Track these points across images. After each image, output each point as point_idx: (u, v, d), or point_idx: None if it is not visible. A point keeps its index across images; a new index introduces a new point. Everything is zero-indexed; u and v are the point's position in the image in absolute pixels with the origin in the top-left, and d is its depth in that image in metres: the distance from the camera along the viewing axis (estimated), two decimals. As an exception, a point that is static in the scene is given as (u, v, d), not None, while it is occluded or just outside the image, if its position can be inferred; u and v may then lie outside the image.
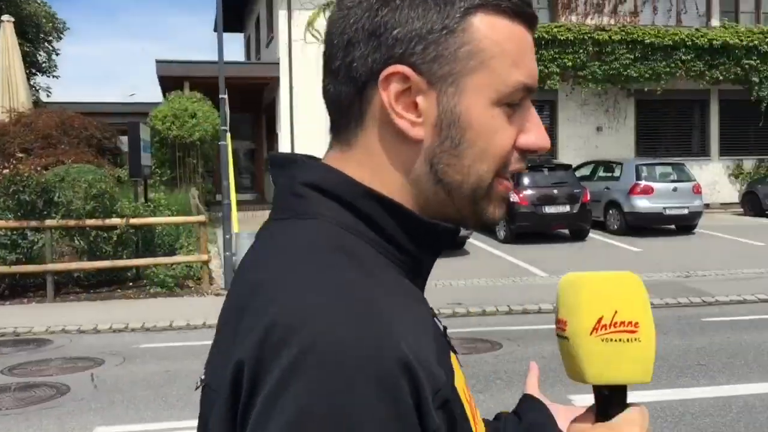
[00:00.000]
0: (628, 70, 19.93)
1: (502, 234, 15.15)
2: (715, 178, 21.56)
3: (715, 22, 21.49)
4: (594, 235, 15.53)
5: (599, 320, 0.80)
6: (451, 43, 0.74)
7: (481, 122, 0.76)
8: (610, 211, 16.31)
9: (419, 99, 0.75)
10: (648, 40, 20.02)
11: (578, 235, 15.36)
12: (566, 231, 15.55)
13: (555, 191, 14.89)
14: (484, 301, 9.61)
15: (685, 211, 15.68)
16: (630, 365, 0.81)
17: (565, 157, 19.80)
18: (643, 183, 15.69)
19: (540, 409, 1.04)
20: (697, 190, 15.92)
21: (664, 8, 21.38)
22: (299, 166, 0.80)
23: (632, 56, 19.96)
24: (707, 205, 19.72)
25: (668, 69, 20.14)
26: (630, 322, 0.80)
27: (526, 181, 14.85)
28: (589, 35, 19.84)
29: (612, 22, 20.67)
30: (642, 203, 15.58)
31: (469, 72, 0.75)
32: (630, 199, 15.67)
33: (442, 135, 0.76)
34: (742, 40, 20.40)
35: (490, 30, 0.75)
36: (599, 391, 0.84)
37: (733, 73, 20.48)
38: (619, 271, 0.85)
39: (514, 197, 14.61)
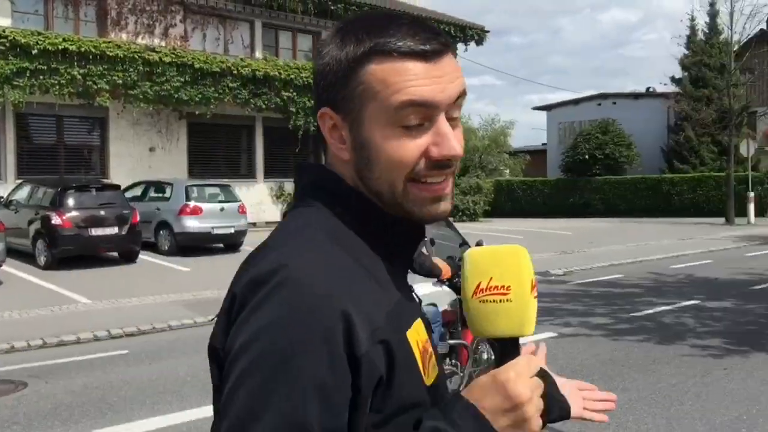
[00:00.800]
0: (179, 93, 20.26)
1: (42, 260, 13.98)
2: (261, 198, 23.28)
3: (258, 54, 23.31)
4: (145, 257, 15.37)
5: (478, 285, 1.00)
6: (352, 86, 1.00)
7: (380, 142, 1.00)
8: (161, 232, 16.36)
9: (342, 130, 1.03)
10: (197, 65, 20.65)
11: (128, 258, 15.04)
12: (115, 254, 15.10)
13: (102, 212, 14.35)
14: (14, 336, 8.72)
15: (232, 230, 16.58)
16: (504, 321, 0.99)
17: (116, 177, 19.25)
18: (192, 204, 16.12)
19: (545, 377, 1.17)
20: (242, 210, 16.97)
21: (212, 36, 22.41)
22: (307, 170, 1.10)
23: (183, 79, 20.35)
24: (253, 224, 21.16)
25: (217, 94, 21.06)
26: (502, 287, 0.99)
27: (70, 202, 14.00)
28: (139, 54, 19.64)
29: (163, 44, 20.86)
30: (191, 223, 15.99)
31: (364, 105, 1.00)
32: (180, 219, 15.95)
33: (358, 155, 1.02)
34: (281, 73, 22.44)
35: (377, 71, 0.99)
36: (492, 344, 1.03)
37: (274, 102, 22.39)
38: (507, 245, 1.03)
39: (56, 219, 13.63)
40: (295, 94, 22.73)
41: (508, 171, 40.13)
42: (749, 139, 29.25)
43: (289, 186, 24.03)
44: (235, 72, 21.42)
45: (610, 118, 35.07)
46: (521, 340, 1.05)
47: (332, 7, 24.45)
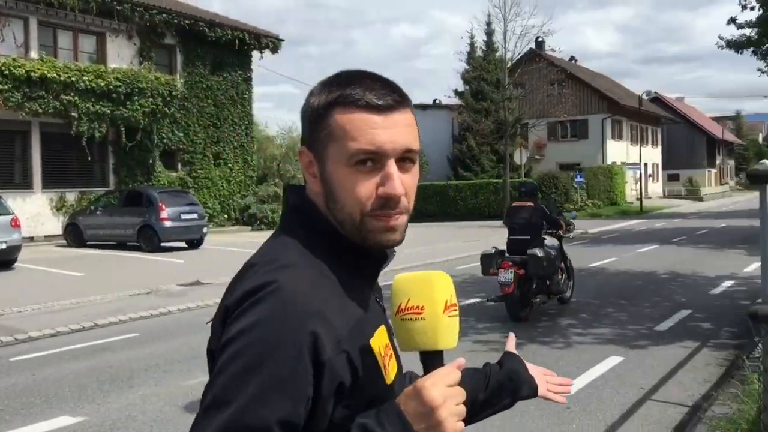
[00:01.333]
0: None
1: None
2: (39, 210, 21.46)
3: (33, 54, 21.48)
4: None
5: (399, 306, 1.14)
6: (320, 129, 1.19)
7: (339, 179, 1.18)
8: None
9: (315, 166, 1.22)
10: (-40, 64, 18.63)
11: None
12: None
13: None
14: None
15: (4, 246, 15.09)
16: (420, 336, 1.13)
17: None
18: (-47, 217, 14.45)
19: (518, 361, 1.55)
20: (15, 224, 15.50)
21: (-22, 32, 20.29)
22: (293, 193, 1.30)
23: (-58, 79, 18.23)
24: (31, 238, 19.41)
25: (-16, 97, 19.12)
26: (417, 306, 1.13)
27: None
28: None
29: None
30: (-47, 239, 14.32)
31: (329, 147, 1.18)
32: (-61, 235, 14.22)
33: (325, 188, 1.20)
34: (60, 75, 20.86)
35: (339, 118, 1.17)
36: (420, 357, 1.15)
37: (53, 107, 20.76)
38: (426, 272, 1.16)
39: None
40: (77, 98, 21.25)
41: (306, 179, 40.42)
42: (522, 148, 32.11)
43: (71, 196, 22.39)
44: (6, 72, 19.59)
45: (403, 128, 36.69)
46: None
47: (118, 7, 23.22)
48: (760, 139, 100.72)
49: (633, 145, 49.23)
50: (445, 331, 1.13)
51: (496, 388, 1.53)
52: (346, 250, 1.23)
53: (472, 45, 38.99)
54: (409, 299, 1.14)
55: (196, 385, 6.69)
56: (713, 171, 74.17)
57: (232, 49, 27.73)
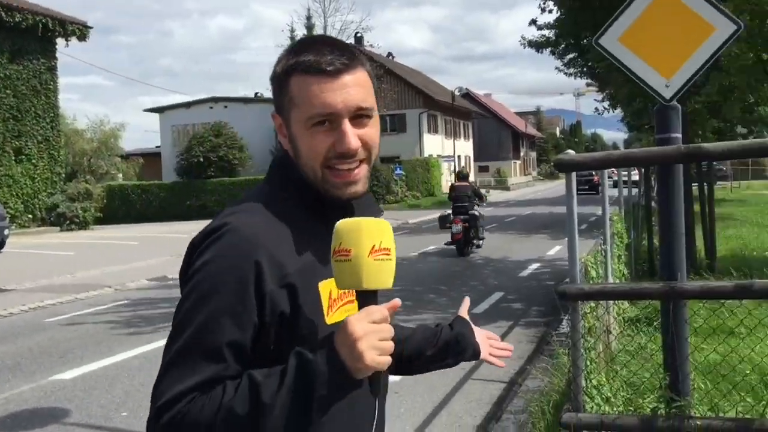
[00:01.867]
0: None
1: None
2: None
3: None
4: None
5: (334, 248, 1.22)
6: (282, 96, 1.37)
7: (301, 139, 1.35)
8: None
9: (284, 128, 1.40)
10: None
11: None
12: None
13: None
14: None
15: None
16: (347, 276, 1.22)
17: None
18: None
19: (466, 325, 1.69)
20: None
21: None
22: (278, 152, 1.52)
23: None
24: None
25: None
26: (345, 249, 1.21)
27: None
28: None
29: None
30: None
31: (291, 110, 1.36)
32: None
33: (293, 147, 1.38)
34: None
35: (295, 85, 1.34)
36: (356, 296, 1.26)
37: None
38: (362, 218, 1.25)
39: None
40: None
41: (121, 175, 38.39)
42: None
43: None
44: None
45: (223, 121, 35.90)
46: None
47: None
48: (558, 133, 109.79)
49: (447, 139, 51.70)
50: (371, 273, 1.21)
51: (443, 347, 1.66)
52: (315, 200, 1.37)
53: (292, 39, 38.89)
54: (340, 242, 1.22)
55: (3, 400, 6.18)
56: (518, 162, 79.77)
57: (33, 35, 25.64)
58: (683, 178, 3.97)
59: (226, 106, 39.55)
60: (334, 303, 1.34)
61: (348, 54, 1.34)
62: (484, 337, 1.74)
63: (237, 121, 36.09)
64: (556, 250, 16.21)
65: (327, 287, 1.32)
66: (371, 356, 1.18)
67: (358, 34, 37.45)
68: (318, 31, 37.13)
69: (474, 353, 1.69)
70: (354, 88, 1.32)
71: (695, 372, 4.46)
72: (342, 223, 1.24)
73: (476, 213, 15.61)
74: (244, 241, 1.27)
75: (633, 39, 3.68)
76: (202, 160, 34.11)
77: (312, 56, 1.32)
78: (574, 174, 3.59)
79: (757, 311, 5.26)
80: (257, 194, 1.40)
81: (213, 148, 34.33)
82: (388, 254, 1.23)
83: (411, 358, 1.65)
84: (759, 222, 18.70)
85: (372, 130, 1.37)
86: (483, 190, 18.87)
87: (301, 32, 39.58)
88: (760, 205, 26.01)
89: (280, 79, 1.36)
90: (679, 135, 3.67)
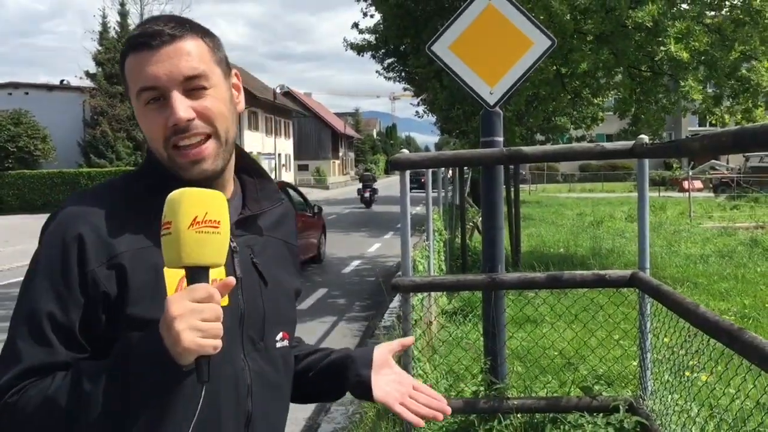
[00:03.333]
0: None
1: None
2: None
3: None
4: None
5: (161, 222, 1.13)
6: (123, 78, 1.31)
7: (141, 120, 1.29)
8: None
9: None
10: None
11: None
12: None
13: None
14: None
15: None
16: (168, 251, 1.12)
17: None
18: None
19: (365, 352, 1.49)
20: None
21: None
22: None
23: None
24: None
25: None
26: (167, 222, 1.12)
27: None
28: None
29: None
30: None
31: (129, 92, 1.29)
32: None
33: (141, 130, 1.31)
34: None
35: (126, 66, 1.28)
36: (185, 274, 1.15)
37: None
38: (188, 188, 1.14)
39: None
40: None
41: None
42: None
43: None
44: None
45: (23, 109, 33.05)
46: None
47: None
48: (375, 134, 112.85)
49: (268, 136, 51.30)
50: (191, 247, 1.10)
51: (322, 370, 1.49)
52: (161, 181, 1.27)
53: (104, 25, 36.66)
54: (165, 216, 1.13)
55: None
56: (337, 162, 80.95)
57: None
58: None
59: (27, 93, 36.37)
60: (181, 287, 1.22)
61: (175, 25, 1.26)
62: (404, 382, 1.46)
63: (40, 110, 33.33)
64: (375, 247, 16.73)
65: (172, 275, 1.22)
66: (190, 338, 1.06)
67: (176, 25, 36.04)
68: (134, 19, 35.34)
69: (361, 386, 1.44)
70: (180, 57, 1.24)
71: (510, 357, 4.86)
72: (169, 195, 1.14)
73: (376, 186, 32.21)
74: (70, 219, 1.23)
75: (462, 48, 3.95)
76: (-2, 150, 31.16)
77: (138, 32, 1.27)
78: (408, 173, 3.78)
79: (558, 305, 5.83)
80: (117, 178, 1.36)
81: (11, 138, 31.47)
82: (215, 227, 1.11)
83: (299, 379, 1.48)
84: (554, 222, 20.51)
85: (212, 101, 1.26)
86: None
87: (114, 18, 37.44)
88: (554, 206, 28.50)
89: (120, 63, 1.30)
90: (501, 138, 4.00)
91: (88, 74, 35.70)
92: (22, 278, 1.26)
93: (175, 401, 1.19)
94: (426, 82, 14.01)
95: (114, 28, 36.99)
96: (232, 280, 1.13)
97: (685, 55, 8.72)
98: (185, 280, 1.16)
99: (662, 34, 8.88)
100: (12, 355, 1.17)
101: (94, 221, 1.22)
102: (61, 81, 38.78)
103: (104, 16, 36.79)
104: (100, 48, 36.08)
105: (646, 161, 3.67)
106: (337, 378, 1.47)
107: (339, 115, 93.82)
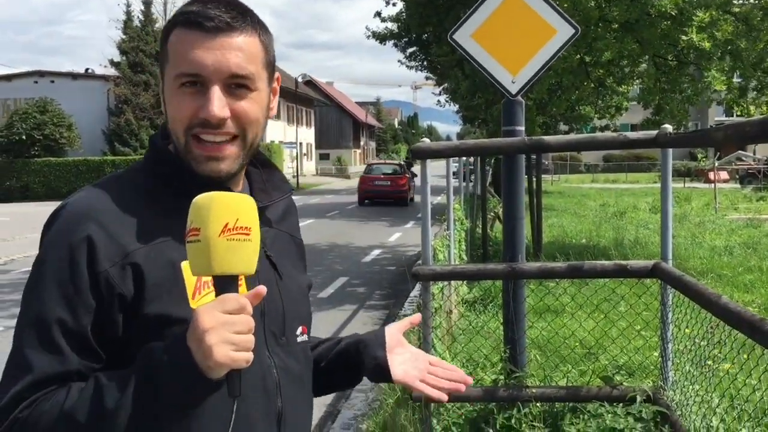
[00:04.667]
0: None
1: None
2: None
3: None
4: None
5: (186, 230, 1.07)
6: (163, 51, 1.22)
7: (169, 98, 1.21)
8: None
9: (161, 87, 1.25)
10: None
11: None
12: None
13: None
14: None
15: None
16: (197, 259, 1.06)
17: None
18: None
19: (377, 334, 1.45)
20: None
21: None
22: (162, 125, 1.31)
23: None
24: None
25: None
26: (195, 229, 1.05)
27: None
28: None
29: None
30: None
31: (165, 66, 1.21)
32: None
33: (163, 106, 1.25)
34: None
35: (172, 39, 1.19)
36: (213, 282, 1.08)
37: None
38: (216, 192, 1.07)
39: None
40: None
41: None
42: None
43: None
44: None
45: (49, 97, 33.44)
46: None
47: None
48: (396, 124, 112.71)
49: (290, 125, 51.45)
50: (222, 256, 1.05)
51: (334, 358, 1.44)
52: (180, 176, 1.21)
53: (128, 14, 36.91)
54: (192, 221, 1.07)
55: None
56: (358, 151, 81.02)
57: None
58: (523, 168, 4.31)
59: (53, 81, 36.80)
60: (204, 285, 1.18)
61: (236, 14, 1.18)
62: (420, 359, 1.44)
63: (65, 98, 33.70)
64: (396, 236, 16.75)
65: (190, 274, 1.15)
66: (223, 352, 1.01)
67: (199, 14, 36.20)
68: (157, 8, 35.54)
69: (378, 369, 1.40)
70: (232, 51, 1.16)
71: (530, 346, 4.86)
72: (196, 199, 1.07)
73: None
74: (75, 218, 1.15)
75: (484, 36, 3.94)
76: (24, 137, 31.56)
77: (195, 9, 1.17)
78: (428, 162, 3.79)
79: (579, 295, 5.81)
80: (122, 171, 1.28)
81: (38, 126, 31.86)
82: (247, 234, 1.06)
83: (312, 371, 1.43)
84: (576, 212, 20.39)
85: (250, 105, 1.20)
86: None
87: (138, 7, 37.68)
88: (576, 197, 28.32)
89: (164, 33, 1.22)
90: (522, 128, 3.99)
91: (112, 63, 36.02)
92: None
93: (206, 415, 1.13)
94: (448, 71, 13.97)
95: (138, 17, 37.24)
96: (263, 289, 1.07)
97: (707, 45, 8.61)
98: (206, 278, 1.14)
99: (687, 23, 8.77)
100: (21, 365, 1.10)
101: (102, 219, 1.15)
102: (86, 70, 39.19)
103: (128, 5, 37.02)
104: (124, 37, 36.36)
105: (670, 151, 3.64)
106: (352, 364, 1.43)
107: (360, 104, 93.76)
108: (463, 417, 4.03)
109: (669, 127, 3.52)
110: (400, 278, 10.92)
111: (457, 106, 20.32)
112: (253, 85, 1.20)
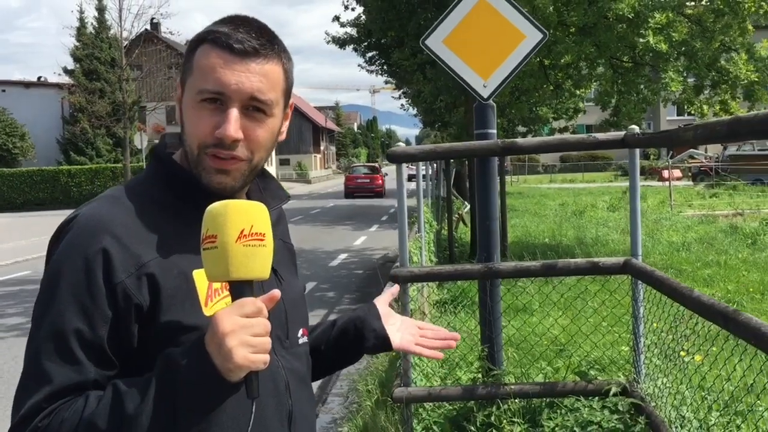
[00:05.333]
0: None
1: None
2: None
3: None
4: None
5: (201, 237, 1.11)
6: (186, 62, 1.26)
7: (188, 111, 1.25)
8: None
9: (180, 97, 1.29)
10: None
11: None
12: None
13: None
14: None
15: None
16: (213, 265, 1.10)
17: None
18: None
19: (371, 308, 1.54)
20: None
21: None
22: (167, 134, 1.37)
23: None
24: None
25: None
26: (212, 236, 1.09)
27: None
28: None
29: None
30: None
31: (188, 79, 1.25)
32: None
33: (180, 117, 1.28)
34: None
35: (199, 54, 1.23)
36: (229, 288, 1.12)
37: None
38: (232, 200, 1.12)
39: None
40: None
41: None
42: (142, 132, 31.06)
43: None
44: None
45: (0, 106, 32.66)
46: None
47: None
48: (356, 128, 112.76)
49: (249, 131, 51.12)
50: (240, 261, 1.09)
51: (337, 337, 1.51)
52: (188, 186, 1.26)
53: (82, 21, 36.24)
54: (207, 228, 1.10)
55: None
56: (318, 156, 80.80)
57: None
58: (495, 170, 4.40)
59: (3, 90, 35.94)
60: (215, 293, 1.22)
61: (264, 41, 1.23)
62: (409, 325, 1.55)
63: (17, 107, 32.99)
64: (361, 240, 16.78)
65: (202, 277, 1.19)
66: (242, 354, 1.05)
67: (155, 20, 35.71)
68: (112, 14, 34.93)
69: (379, 340, 1.49)
70: (256, 76, 1.21)
71: (506, 344, 4.96)
72: (210, 207, 1.11)
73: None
74: (90, 230, 1.17)
75: (455, 42, 4.02)
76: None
77: (226, 29, 1.22)
78: (404, 165, 3.84)
79: (543, 293, 5.93)
80: (129, 181, 1.33)
81: (-12, 136, 31.11)
82: (261, 240, 1.11)
83: (312, 358, 1.48)
84: (537, 212, 20.68)
85: (263, 131, 1.24)
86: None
87: (91, 14, 37.05)
88: (536, 197, 28.71)
89: (191, 46, 1.27)
90: (495, 130, 4.08)
91: (66, 70, 35.33)
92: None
93: (225, 417, 1.16)
94: (409, 75, 14.07)
95: (92, 24, 36.60)
96: (277, 293, 1.12)
97: (664, 47, 8.86)
98: (215, 282, 1.18)
99: (643, 26, 9.01)
100: (40, 376, 1.12)
101: (115, 230, 1.17)
102: (39, 78, 38.36)
103: (81, 12, 36.39)
104: (77, 44, 35.69)
105: (637, 151, 3.76)
106: (353, 341, 1.50)
107: (319, 108, 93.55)
108: (443, 416, 4.09)
109: (636, 128, 3.63)
110: (368, 281, 10.97)
111: (417, 109, 20.47)
112: (270, 111, 1.25)
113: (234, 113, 1.20)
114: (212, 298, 1.21)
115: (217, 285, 1.21)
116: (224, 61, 1.20)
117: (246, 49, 1.20)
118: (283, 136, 1.36)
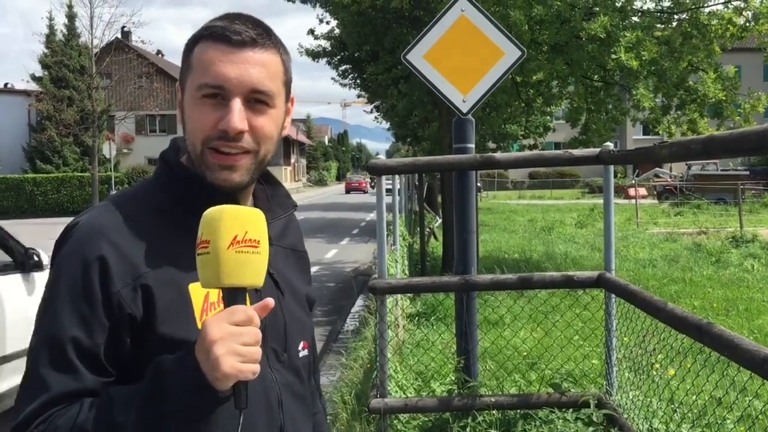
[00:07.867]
0: None
1: None
2: None
3: None
4: None
5: (196, 242, 1.08)
6: (185, 62, 1.25)
7: (190, 108, 1.23)
8: None
9: (180, 98, 1.29)
10: None
11: None
12: None
13: None
14: None
15: None
16: (205, 271, 1.07)
17: None
18: None
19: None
20: None
21: None
22: (173, 139, 1.36)
23: None
24: None
25: None
26: (205, 241, 1.07)
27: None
28: None
29: None
30: None
31: (188, 77, 1.24)
32: None
33: (181, 117, 1.27)
34: None
35: (197, 51, 1.22)
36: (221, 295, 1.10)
37: None
38: (226, 206, 1.09)
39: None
40: None
41: None
42: (110, 141, 30.75)
43: None
44: None
45: (-36, 112, 32.06)
46: None
47: None
48: (326, 141, 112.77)
49: (219, 142, 50.92)
50: (231, 268, 1.06)
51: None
52: (191, 192, 1.24)
53: (51, 27, 35.79)
54: (202, 233, 1.09)
55: None
56: (289, 168, 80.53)
57: None
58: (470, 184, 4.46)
59: (-33, 96, 35.30)
60: (211, 306, 1.20)
61: (261, 31, 1.22)
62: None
63: (-19, 114, 32.40)
64: (332, 253, 16.75)
65: (197, 290, 1.18)
66: (229, 363, 1.02)
67: (125, 29, 35.45)
68: (83, 21, 34.58)
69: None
70: (256, 67, 1.20)
71: (481, 357, 5.00)
72: (206, 212, 1.09)
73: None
74: (88, 237, 1.18)
75: (436, 57, 4.09)
76: (-64, 155, 30.16)
77: (222, 23, 1.21)
78: (383, 178, 3.89)
79: (518, 307, 5.99)
80: (133, 187, 1.32)
81: (-49, 142, 30.50)
82: (255, 247, 1.08)
83: None
84: (507, 227, 20.87)
85: (268, 122, 1.23)
86: None
87: (61, 21, 36.61)
88: (505, 213, 28.98)
89: (188, 45, 1.25)
90: (473, 145, 4.14)
91: (33, 77, 34.80)
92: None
93: (212, 427, 1.14)
94: (383, 89, 14.16)
95: (61, 31, 36.16)
96: (270, 301, 1.10)
97: (634, 63, 9.07)
98: (211, 296, 1.18)
99: (614, 45, 9.22)
100: (37, 383, 1.13)
101: (114, 238, 1.17)
102: (5, 84, 37.74)
103: (51, 19, 35.91)
104: (46, 51, 35.21)
105: (612, 168, 3.86)
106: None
107: (291, 121, 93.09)
108: (419, 428, 4.12)
109: (611, 145, 3.73)
110: (341, 294, 10.95)
111: (389, 123, 20.59)
112: (272, 102, 1.23)
113: (237, 104, 1.19)
114: (207, 312, 1.20)
115: (213, 299, 1.19)
116: (222, 53, 1.19)
117: (244, 39, 1.19)
118: (286, 131, 1.35)
